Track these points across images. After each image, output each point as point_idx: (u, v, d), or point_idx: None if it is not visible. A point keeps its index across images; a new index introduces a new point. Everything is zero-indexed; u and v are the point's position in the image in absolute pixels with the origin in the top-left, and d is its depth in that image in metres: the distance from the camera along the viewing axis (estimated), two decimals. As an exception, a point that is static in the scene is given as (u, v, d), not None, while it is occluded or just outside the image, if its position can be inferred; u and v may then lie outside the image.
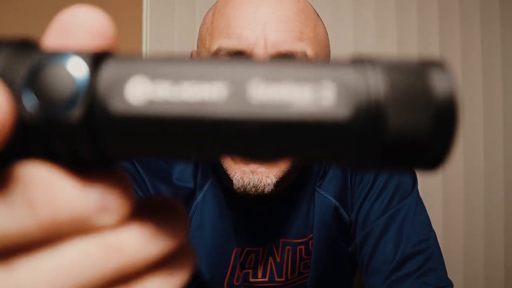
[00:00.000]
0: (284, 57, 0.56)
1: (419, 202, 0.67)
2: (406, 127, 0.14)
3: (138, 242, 0.15)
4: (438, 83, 0.14)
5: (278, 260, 0.67)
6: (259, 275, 0.67)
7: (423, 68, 0.15)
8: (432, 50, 1.15)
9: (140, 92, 0.14)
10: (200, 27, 0.65)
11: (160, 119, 0.13)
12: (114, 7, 1.08)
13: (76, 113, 0.13)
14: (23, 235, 0.14)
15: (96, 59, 0.14)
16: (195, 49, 0.66)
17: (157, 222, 0.16)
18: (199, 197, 0.66)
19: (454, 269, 1.11)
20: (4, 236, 0.14)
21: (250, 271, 0.67)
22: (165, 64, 0.14)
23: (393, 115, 0.14)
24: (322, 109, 0.14)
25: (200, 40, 0.63)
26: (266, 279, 0.66)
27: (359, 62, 0.15)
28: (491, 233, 1.15)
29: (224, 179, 0.64)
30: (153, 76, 0.14)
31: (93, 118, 0.14)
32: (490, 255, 1.15)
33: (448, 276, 0.63)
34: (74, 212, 0.14)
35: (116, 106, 0.14)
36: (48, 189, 0.14)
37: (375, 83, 0.14)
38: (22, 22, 1.00)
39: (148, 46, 1.14)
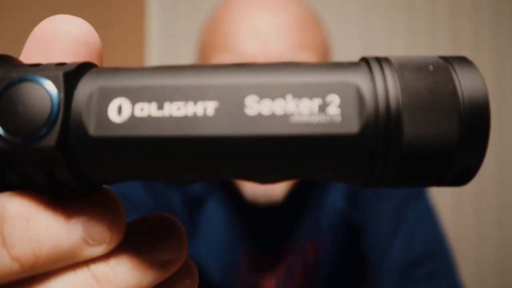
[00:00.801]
0: None
1: (431, 204, 0.65)
2: (426, 136, 0.12)
3: (130, 272, 0.14)
4: (464, 83, 0.12)
5: (287, 264, 0.66)
6: (269, 280, 0.66)
7: (444, 66, 0.13)
8: (442, 48, 1.14)
9: (123, 112, 0.12)
10: (199, 39, 0.63)
11: (146, 139, 0.12)
12: (116, 12, 1.07)
13: (52, 137, 0.12)
14: (1, 275, 0.12)
15: (74, 76, 0.13)
16: (195, 59, 0.65)
17: (152, 245, 0.15)
18: (208, 203, 0.65)
19: (466, 272, 1.09)
20: None
21: (260, 276, 0.66)
22: (150, 81, 0.13)
23: (409, 124, 0.12)
24: (327, 121, 0.12)
25: (200, 53, 0.62)
26: (276, 284, 0.66)
27: (367, 64, 0.13)
28: (504, 234, 1.14)
29: (233, 186, 0.63)
30: (138, 97, 0.12)
31: (73, 141, 0.12)
32: (503, 258, 1.13)
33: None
34: (58, 247, 0.13)
35: (98, 127, 0.12)
36: (25, 224, 0.13)
37: (385, 87, 0.12)
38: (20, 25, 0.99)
39: (151, 54, 1.14)
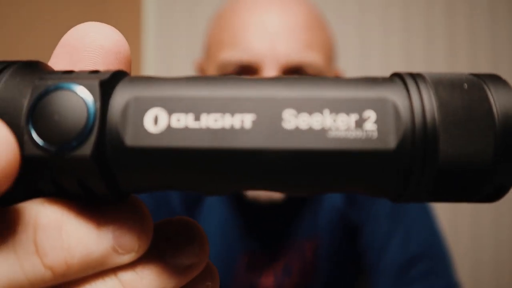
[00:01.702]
0: (295, 68, 0.54)
1: (428, 204, 0.66)
2: (461, 154, 0.12)
3: (155, 278, 0.14)
4: (498, 101, 0.12)
5: (285, 263, 0.66)
6: (267, 278, 0.66)
7: (478, 84, 0.13)
8: (439, 52, 1.14)
9: (160, 122, 0.12)
10: (205, 35, 0.63)
11: (183, 150, 0.12)
12: (113, 12, 1.07)
13: (88, 146, 0.12)
14: (34, 283, 0.13)
15: (109, 85, 0.13)
16: (200, 57, 0.65)
17: (176, 251, 0.15)
18: (207, 200, 0.65)
19: (461, 273, 1.10)
20: (13, 285, 0.12)
21: (258, 274, 0.66)
22: (187, 91, 0.13)
23: (445, 141, 0.12)
24: (364, 136, 0.12)
25: (206, 49, 0.62)
26: (274, 282, 0.66)
27: (401, 80, 0.13)
28: (500, 235, 1.14)
29: None
30: (175, 108, 0.12)
31: (108, 151, 0.12)
32: (499, 259, 1.14)
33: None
34: (89, 256, 0.13)
35: (133, 137, 0.12)
36: (58, 233, 0.13)
37: (421, 104, 0.12)
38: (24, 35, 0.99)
39: (148, 54, 1.13)
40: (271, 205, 0.59)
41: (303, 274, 0.67)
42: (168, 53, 1.15)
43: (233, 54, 0.55)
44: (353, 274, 0.73)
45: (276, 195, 0.58)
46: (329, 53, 0.60)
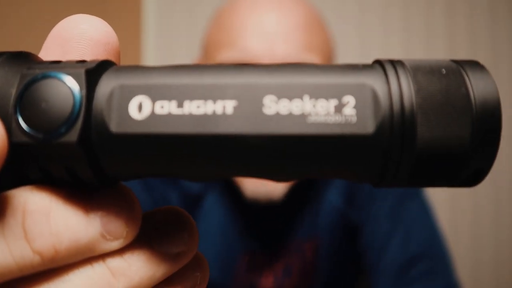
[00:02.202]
0: None
1: (427, 203, 0.66)
2: (439, 138, 0.12)
3: (143, 265, 0.14)
4: (476, 86, 0.13)
5: (285, 263, 0.66)
6: (267, 278, 0.66)
7: (456, 69, 0.13)
8: (439, 51, 1.14)
9: (144, 109, 0.13)
10: (203, 35, 0.63)
11: (166, 136, 0.12)
12: (113, 12, 1.07)
13: (74, 133, 0.12)
14: (23, 267, 0.13)
15: (95, 73, 0.13)
16: (199, 55, 0.65)
17: (164, 238, 0.15)
18: (207, 200, 0.65)
19: (461, 273, 1.10)
20: (2, 270, 0.13)
21: (258, 275, 0.66)
22: (170, 79, 0.13)
23: (423, 126, 0.12)
24: (343, 121, 0.12)
25: (204, 48, 0.62)
26: (274, 283, 0.66)
27: (381, 66, 0.13)
28: (500, 235, 1.14)
29: (232, 184, 0.63)
30: (159, 95, 0.13)
31: (94, 138, 0.13)
32: (499, 258, 1.14)
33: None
34: (77, 241, 0.13)
35: (118, 124, 0.12)
36: (46, 219, 0.13)
37: (399, 89, 0.13)
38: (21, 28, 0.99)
39: (148, 53, 1.13)
40: (270, 205, 0.59)
41: (303, 274, 0.67)
42: (168, 53, 1.16)
43: (231, 55, 0.55)
44: (353, 274, 0.74)
45: (275, 195, 0.58)
46: (328, 54, 0.60)
